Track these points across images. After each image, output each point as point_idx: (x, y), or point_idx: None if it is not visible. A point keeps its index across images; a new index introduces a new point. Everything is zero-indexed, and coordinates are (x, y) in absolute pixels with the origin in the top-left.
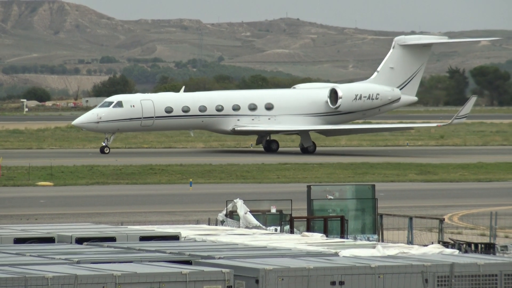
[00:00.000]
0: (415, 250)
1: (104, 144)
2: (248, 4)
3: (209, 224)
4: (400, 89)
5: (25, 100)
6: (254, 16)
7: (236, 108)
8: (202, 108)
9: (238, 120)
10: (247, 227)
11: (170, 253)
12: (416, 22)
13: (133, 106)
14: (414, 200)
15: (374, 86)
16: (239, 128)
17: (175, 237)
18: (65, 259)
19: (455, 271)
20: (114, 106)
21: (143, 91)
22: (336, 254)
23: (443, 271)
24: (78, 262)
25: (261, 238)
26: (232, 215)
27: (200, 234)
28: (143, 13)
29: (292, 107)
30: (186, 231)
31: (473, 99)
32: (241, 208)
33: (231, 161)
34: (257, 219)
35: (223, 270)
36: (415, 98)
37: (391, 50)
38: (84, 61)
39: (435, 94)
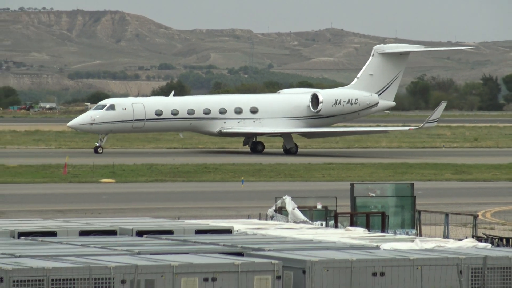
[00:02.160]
0: (451, 244)
1: (97, 145)
2: (295, 15)
3: (259, 219)
4: (379, 95)
5: (89, 103)
6: (301, 26)
7: (222, 111)
8: (191, 111)
9: (225, 122)
10: (294, 222)
11: (223, 245)
12: (452, 32)
13: (125, 109)
14: (450, 197)
15: (354, 92)
16: (225, 130)
17: (228, 231)
18: (126, 250)
19: (488, 263)
20: (107, 109)
21: None
22: (377, 247)
23: (477, 263)
24: (138, 253)
25: (308, 232)
26: (281, 210)
27: (251, 228)
28: (198, 23)
29: (276, 110)
30: (238, 225)
31: (443, 105)
32: (289, 204)
33: (280, 161)
34: (304, 215)
35: (273, 261)
36: (393, 103)
37: (370, 58)
38: (143, 68)
39: (470, 99)
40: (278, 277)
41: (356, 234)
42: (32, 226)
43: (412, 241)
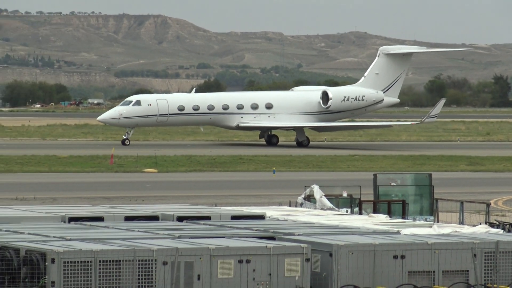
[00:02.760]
0: (466, 230)
1: (125, 137)
2: (323, 19)
3: (289, 206)
4: (384, 92)
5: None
6: (328, 29)
7: (240, 107)
8: (210, 107)
9: (242, 117)
10: (322, 209)
11: (256, 230)
12: (466, 34)
13: (150, 104)
14: (464, 187)
15: (361, 89)
16: (242, 125)
17: (261, 217)
18: (168, 234)
19: (500, 247)
20: (133, 105)
21: None
22: (398, 232)
23: (490, 247)
24: (178, 237)
25: (334, 218)
26: (310, 198)
27: (282, 214)
28: (234, 26)
29: (289, 106)
30: (270, 211)
31: (442, 101)
32: (317, 192)
33: (309, 153)
34: (331, 202)
35: (302, 245)
36: (397, 100)
37: (376, 58)
38: (183, 67)
39: (482, 97)
40: (307, 260)
41: (379, 220)
42: (81, 211)
43: (430, 226)
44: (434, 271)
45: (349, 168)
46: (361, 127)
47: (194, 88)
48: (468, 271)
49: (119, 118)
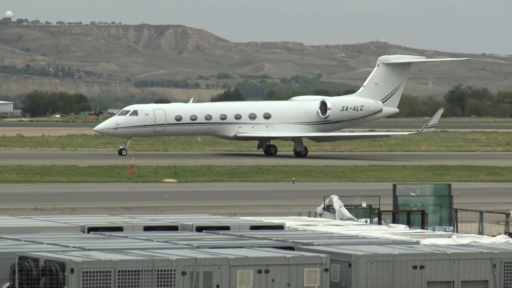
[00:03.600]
0: (485, 240)
1: (121, 147)
2: (343, 29)
3: (309, 216)
4: (383, 102)
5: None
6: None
7: (238, 117)
8: (208, 117)
9: (240, 127)
10: (341, 219)
11: (275, 240)
12: (486, 45)
13: (147, 114)
14: (484, 197)
15: (359, 99)
16: (240, 134)
17: (280, 227)
18: (187, 244)
19: None
20: (130, 114)
21: None
22: (417, 243)
23: (509, 258)
24: (197, 247)
25: (354, 228)
26: (329, 208)
27: (302, 225)
28: (254, 37)
29: (287, 116)
30: (290, 221)
31: (440, 111)
32: (337, 202)
33: (328, 163)
34: (350, 212)
35: (321, 255)
36: (397, 110)
37: (375, 68)
38: (203, 77)
39: (503, 107)
40: (326, 270)
41: (398, 230)
42: (100, 221)
43: (450, 237)
44: (453, 282)
45: (368, 179)
46: (359, 137)
47: (192, 98)
48: (487, 281)
49: (116, 128)
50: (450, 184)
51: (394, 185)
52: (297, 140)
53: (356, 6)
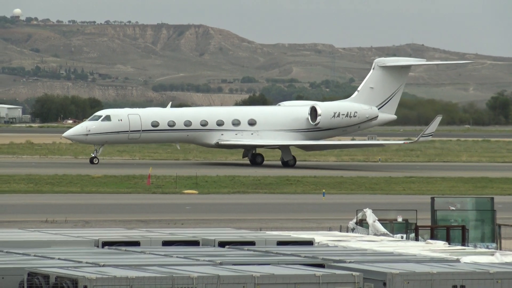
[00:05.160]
0: None
1: (93, 155)
2: (377, 31)
3: (340, 231)
4: (380, 108)
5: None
6: (382, 41)
7: (220, 123)
8: (187, 123)
9: (222, 134)
10: (375, 234)
11: (304, 257)
12: None
13: (121, 120)
14: None
15: (353, 105)
16: (222, 142)
17: (309, 242)
18: (209, 260)
19: None
20: (102, 120)
21: None
22: (457, 260)
23: None
24: (220, 264)
25: (388, 244)
26: (362, 223)
27: (332, 240)
28: (281, 38)
29: (274, 123)
30: (320, 237)
31: (438, 119)
32: (370, 217)
33: (361, 174)
34: (385, 227)
35: (353, 273)
36: (394, 116)
37: (371, 71)
38: (226, 81)
39: None
40: None
41: (437, 247)
42: (116, 235)
43: (492, 254)
44: None
45: (404, 191)
46: (350, 145)
47: (170, 103)
48: None
49: (87, 135)
50: (493, 197)
51: (433, 198)
52: (284, 148)
53: (391, 5)
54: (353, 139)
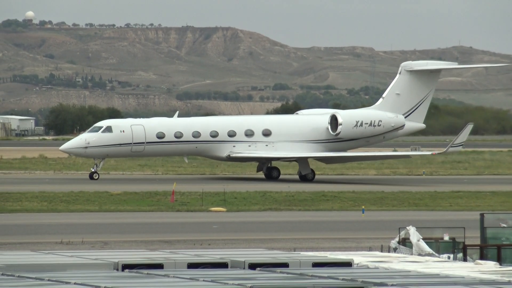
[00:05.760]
0: None
1: (93, 170)
2: (420, 33)
3: (381, 251)
4: (407, 116)
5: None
6: (426, 44)
7: (231, 134)
8: (196, 134)
9: (234, 146)
10: (419, 255)
11: (342, 279)
12: None
13: (123, 131)
14: None
15: (377, 113)
16: (234, 155)
17: (348, 264)
18: (238, 284)
19: None
20: (103, 131)
21: None
22: (510, 283)
23: None
24: None
25: (434, 265)
26: (405, 242)
27: (373, 261)
28: (316, 41)
29: (291, 133)
30: (359, 257)
31: (469, 127)
32: (414, 235)
33: (403, 189)
34: (430, 247)
35: None
36: (423, 125)
37: (397, 76)
38: (257, 88)
39: None
40: None
41: (487, 268)
42: (137, 257)
43: None
44: None
45: (451, 207)
46: (374, 157)
47: (177, 112)
48: None
49: (86, 148)
50: None
51: (482, 215)
52: (302, 161)
53: (436, 5)
54: (395, 150)
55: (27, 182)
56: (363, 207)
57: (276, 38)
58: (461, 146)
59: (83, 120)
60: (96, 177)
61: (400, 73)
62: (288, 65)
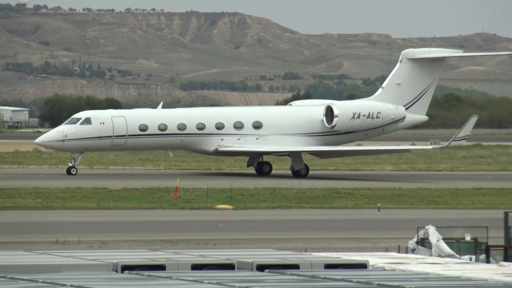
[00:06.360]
0: None
1: (70, 165)
2: (440, 19)
3: (398, 252)
4: (408, 108)
5: None
6: (447, 31)
7: (220, 126)
8: (181, 126)
9: (222, 139)
10: (439, 256)
11: (357, 282)
12: None
13: (103, 123)
14: None
15: (375, 104)
16: (222, 149)
17: (363, 265)
18: (246, 287)
19: None
20: (81, 123)
21: None
22: None
23: None
24: None
25: (455, 267)
26: (424, 242)
27: (389, 263)
28: (329, 27)
29: (283, 126)
30: (374, 259)
31: (472, 120)
32: (433, 235)
33: (422, 185)
34: (450, 247)
35: None
36: (425, 118)
37: (398, 64)
38: (266, 78)
39: None
40: None
41: (511, 271)
42: (137, 258)
43: None
44: None
45: (473, 205)
46: (373, 152)
47: (161, 103)
48: None
49: (63, 141)
50: None
51: (506, 213)
52: (295, 156)
53: None
54: (413, 144)
55: (20, 177)
56: (379, 205)
57: (287, 24)
58: (465, 140)
59: (80, 111)
60: (74, 172)
61: (401, 61)
62: (299, 53)
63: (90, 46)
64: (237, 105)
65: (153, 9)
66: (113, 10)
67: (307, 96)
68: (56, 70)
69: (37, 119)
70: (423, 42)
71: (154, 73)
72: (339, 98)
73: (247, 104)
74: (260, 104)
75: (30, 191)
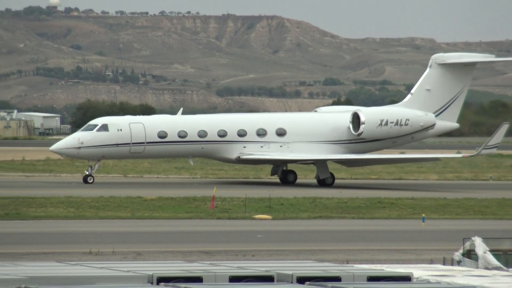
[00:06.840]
0: None
1: (87, 173)
2: (487, 22)
3: (444, 264)
4: (438, 114)
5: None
6: (494, 35)
7: (242, 133)
8: (202, 133)
9: (244, 147)
10: (486, 268)
11: None
12: None
13: (121, 130)
14: None
15: (404, 111)
16: (245, 157)
17: (407, 278)
18: None
19: None
20: (98, 130)
21: None
22: None
23: None
24: None
25: (502, 280)
26: (470, 254)
27: (434, 275)
28: (370, 31)
29: (308, 133)
30: (419, 271)
31: (504, 127)
32: (480, 246)
33: (468, 195)
34: (497, 259)
35: None
36: (456, 125)
37: (427, 70)
38: (305, 83)
39: None
40: None
41: None
42: (173, 270)
43: None
44: None
45: None
46: (401, 160)
47: (181, 109)
48: None
49: (79, 148)
50: None
51: None
52: (320, 164)
53: None
54: (458, 152)
55: (52, 186)
56: (423, 215)
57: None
58: (495, 148)
59: None
60: (91, 181)
61: (430, 67)
62: (340, 57)
63: (123, 50)
64: (275, 111)
65: (189, 12)
66: (147, 13)
67: (348, 103)
68: (88, 75)
69: (69, 126)
70: (468, 47)
71: (190, 79)
72: (382, 104)
73: (285, 111)
74: (300, 110)
75: (62, 200)
